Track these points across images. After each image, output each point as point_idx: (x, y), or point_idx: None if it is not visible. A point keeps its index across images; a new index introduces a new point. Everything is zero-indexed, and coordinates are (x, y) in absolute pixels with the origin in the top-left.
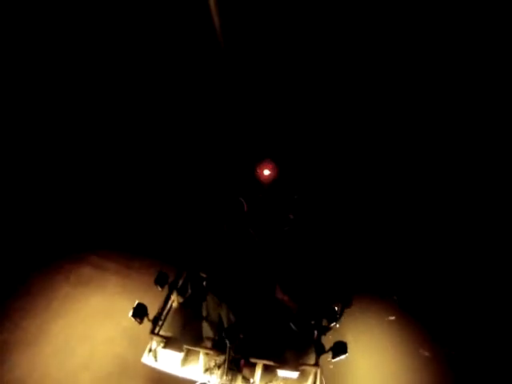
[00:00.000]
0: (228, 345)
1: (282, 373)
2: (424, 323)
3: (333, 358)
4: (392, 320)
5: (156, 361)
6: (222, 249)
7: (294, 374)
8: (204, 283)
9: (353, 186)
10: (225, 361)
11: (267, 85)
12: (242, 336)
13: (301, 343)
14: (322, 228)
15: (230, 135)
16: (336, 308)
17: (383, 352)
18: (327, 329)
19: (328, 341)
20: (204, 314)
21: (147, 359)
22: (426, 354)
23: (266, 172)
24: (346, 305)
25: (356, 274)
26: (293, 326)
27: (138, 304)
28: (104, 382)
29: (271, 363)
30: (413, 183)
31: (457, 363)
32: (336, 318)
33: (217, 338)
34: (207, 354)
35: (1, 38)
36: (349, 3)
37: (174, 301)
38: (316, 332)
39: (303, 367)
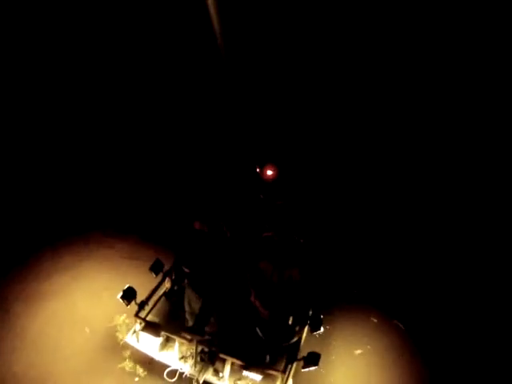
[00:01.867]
0: (195, 339)
1: (246, 373)
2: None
3: (303, 368)
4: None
5: (138, 342)
6: (203, 247)
7: (258, 377)
8: (186, 277)
9: (340, 191)
10: (195, 353)
11: (267, 87)
12: (214, 333)
13: (275, 348)
14: (301, 235)
15: (233, 140)
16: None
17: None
18: (292, 337)
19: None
20: (186, 305)
21: (130, 339)
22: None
23: (269, 172)
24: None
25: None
26: (259, 332)
27: (128, 288)
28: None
29: (238, 362)
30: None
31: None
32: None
33: (189, 327)
34: (182, 343)
35: (1, 38)
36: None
37: (168, 288)
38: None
39: (269, 371)
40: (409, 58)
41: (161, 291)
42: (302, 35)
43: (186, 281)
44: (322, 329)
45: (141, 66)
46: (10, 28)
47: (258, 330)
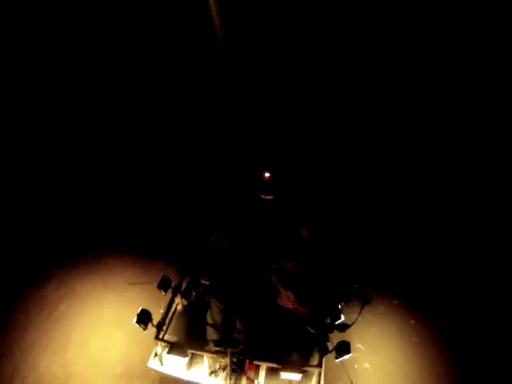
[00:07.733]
0: (229, 351)
1: (285, 375)
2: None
3: (336, 358)
4: None
5: (162, 365)
6: (223, 256)
7: (297, 377)
8: (206, 289)
9: (352, 186)
10: (227, 365)
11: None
12: (242, 341)
13: (305, 345)
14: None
15: (234, 143)
16: (339, 306)
17: None
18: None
19: None
20: (209, 319)
21: (153, 363)
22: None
23: (267, 174)
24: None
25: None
26: (310, 330)
27: (142, 310)
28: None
29: (274, 365)
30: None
31: None
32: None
33: (221, 339)
34: (210, 357)
35: (1, 38)
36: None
37: (179, 304)
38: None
39: (306, 368)
40: (409, 58)
41: (173, 308)
42: (302, 34)
43: (201, 291)
44: (342, 317)
45: (140, 64)
46: (11, 28)
47: (309, 328)
